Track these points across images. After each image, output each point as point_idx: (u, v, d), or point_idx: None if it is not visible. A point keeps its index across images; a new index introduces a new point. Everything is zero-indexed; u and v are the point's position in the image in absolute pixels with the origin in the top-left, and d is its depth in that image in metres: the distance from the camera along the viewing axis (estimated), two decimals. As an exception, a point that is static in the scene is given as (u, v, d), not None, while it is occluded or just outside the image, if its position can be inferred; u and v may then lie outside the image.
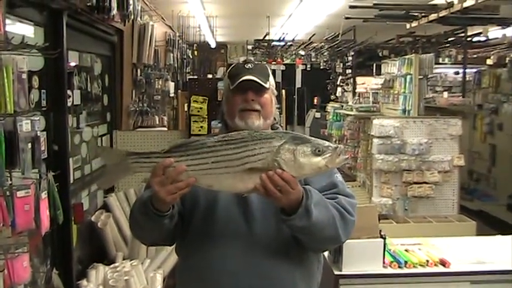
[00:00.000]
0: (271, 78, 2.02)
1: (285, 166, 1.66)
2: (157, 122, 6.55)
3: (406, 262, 3.16)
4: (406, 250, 3.34)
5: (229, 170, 1.68)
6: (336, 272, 3.06)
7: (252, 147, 1.68)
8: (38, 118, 2.57)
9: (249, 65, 1.99)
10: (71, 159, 3.83)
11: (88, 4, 3.79)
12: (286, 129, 6.53)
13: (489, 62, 8.68)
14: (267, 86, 1.97)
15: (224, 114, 2.04)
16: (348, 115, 8.55)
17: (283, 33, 11.44)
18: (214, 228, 1.90)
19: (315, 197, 1.77)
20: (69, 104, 3.80)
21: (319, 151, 1.67)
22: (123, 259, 4.24)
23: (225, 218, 1.90)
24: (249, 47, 13.46)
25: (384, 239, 3.10)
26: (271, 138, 1.70)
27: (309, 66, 12.90)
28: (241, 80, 1.93)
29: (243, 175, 1.68)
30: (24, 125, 2.41)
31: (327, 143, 1.72)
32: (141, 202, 1.86)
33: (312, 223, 1.75)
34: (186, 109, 5.30)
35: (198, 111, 5.04)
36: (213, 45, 12.29)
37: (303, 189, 1.74)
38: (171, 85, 8.36)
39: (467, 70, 8.35)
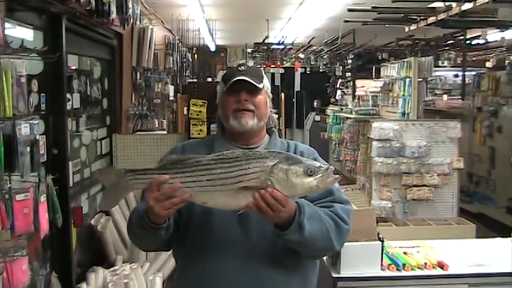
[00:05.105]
0: (265, 80, 2.04)
1: (278, 185, 1.69)
2: (156, 126, 6.55)
3: (404, 265, 3.16)
4: (404, 253, 3.34)
5: (223, 188, 1.71)
6: (334, 275, 3.07)
7: (246, 166, 1.70)
8: (37, 122, 2.58)
9: (243, 67, 2.01)
10: (70, 163, 3.84)
11: (87, 8, 3.80)
12: (284, 132, 6.54)
13: (488, 64, 8.71)
14: (260, 86, 1.98)
15: (220, 118, 2.06)
16: (347, 118, 8.55)
17: (283, 37, 11.43)
18: (211, 236, 1.91)
19: (308, 211, 1.79)
20: (68, 107, 3.81)
21: (311, 171, 1.70)
22: (123, 262, 4.25)
23: (222, 226, 1.90)
24: (249, 50, 13.47)
25: (382, 241, 3.11)
26: (265, 157, 1.72)
27: (308, 69, 12.90)
28: (234, 80, 1.95)
29: (236, 193, 1.70)
30: (23, 129, 2.42)
31: (318, 164, 1.75)
32: (137, 215, 1.88)
33: (305, 237, 1.77)
34: (185, 112, 5.30)
35: (198, 115, 5.04)
36: (212, 48, 12.29)
37: (296, 204, 1.76)
38: (171, 88, 8.36)
39: (466, 73, 8.37)
